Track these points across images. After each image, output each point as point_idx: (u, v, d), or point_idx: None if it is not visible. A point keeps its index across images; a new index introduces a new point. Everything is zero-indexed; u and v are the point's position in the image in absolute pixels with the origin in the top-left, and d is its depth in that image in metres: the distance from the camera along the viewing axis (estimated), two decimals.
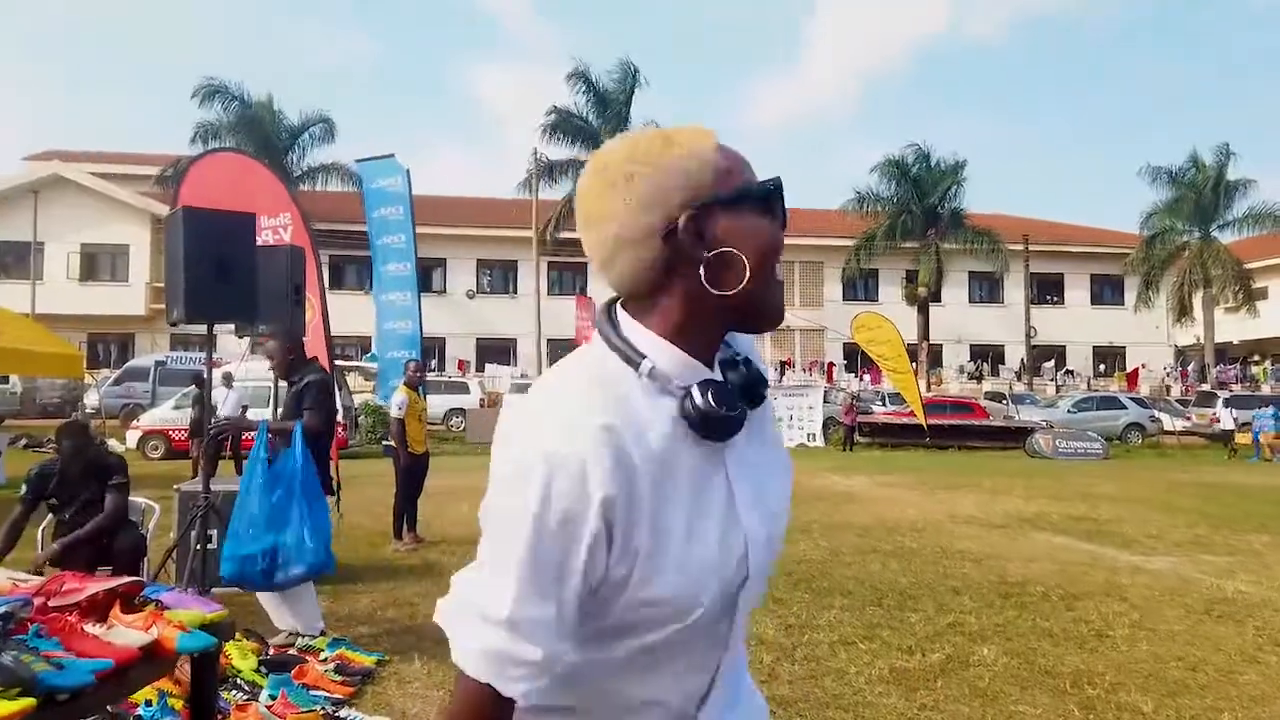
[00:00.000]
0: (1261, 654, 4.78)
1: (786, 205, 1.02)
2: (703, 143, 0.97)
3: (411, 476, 8.27)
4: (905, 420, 25.59)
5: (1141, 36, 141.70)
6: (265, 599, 4.81)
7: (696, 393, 0.94)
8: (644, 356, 0.96)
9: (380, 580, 6.49)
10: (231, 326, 6.46)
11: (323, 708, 3.66)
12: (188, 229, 5.34)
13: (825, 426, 25.25)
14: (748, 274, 0.96)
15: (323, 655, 4.31)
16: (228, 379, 15.14)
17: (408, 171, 12.11)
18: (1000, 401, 30.09)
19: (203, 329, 5.69)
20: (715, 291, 0.96)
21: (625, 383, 0.95)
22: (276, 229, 9.88)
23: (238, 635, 4.41)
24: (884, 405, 29.08)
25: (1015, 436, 25.19)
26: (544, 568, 0.89)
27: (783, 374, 32.87)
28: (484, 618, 0.91)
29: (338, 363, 23.54)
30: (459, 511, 10.26)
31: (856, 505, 11.35)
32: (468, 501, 11.35)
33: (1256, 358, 41.33)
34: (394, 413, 8.31)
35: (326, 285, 35.86)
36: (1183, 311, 37.30)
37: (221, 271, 5.39)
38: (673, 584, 0.93)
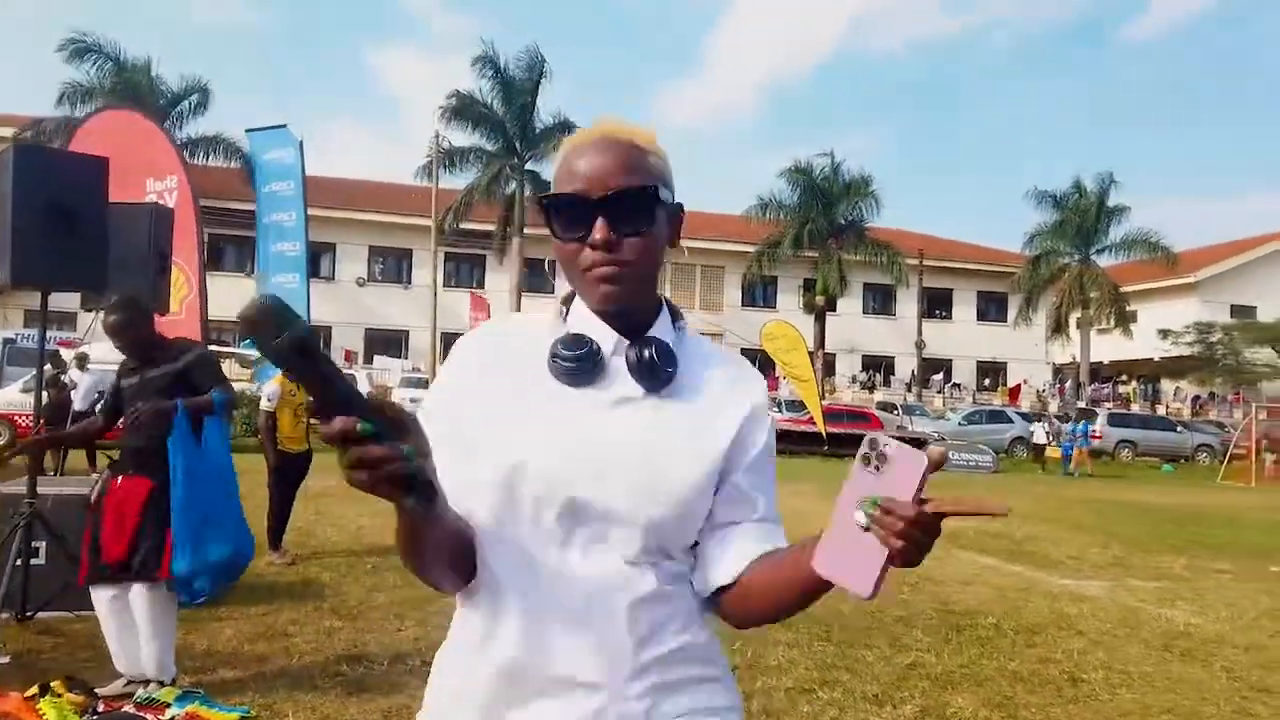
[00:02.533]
0: (1247, 703, 4.37)
1: (580, 213, 1.14)
2: (563, 146, 1.21)
3: (282, 479, 7.24)
4: (803, 428, 25.50)
5: (1027, 66, 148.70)
6: (117, 630, 3.79)
7: (560, 339, 1.17)
8: (565, 307, 1.24)
9: (249, 603, 5.52)
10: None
11: None
12: (19, 171, 4.31)
13: None
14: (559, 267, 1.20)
15: (168, 715, 3.39)
16: (82, 360, 13.57)
17: (301, 144, 11.01)
18: (892, 412, 30.44)
19: (68, 303, 4.63)
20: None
21: (542, 321, 1.23)
22: (162, 194, 8.66)
23: (56, 684, 3.46)
24: (780, 412, 29.01)
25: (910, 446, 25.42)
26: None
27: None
28: None
29: (212, 348, 21.90)
30: (343, 516, 9.26)
31: None
32: (354, 505, 10.32)
33: (1124, 377, 43.40)
34: (262, 405, 7.28)
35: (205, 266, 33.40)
36: (1059, 330, 38.72)
37: (61, 226, 4.37)
38: (487, 458, 1.13)
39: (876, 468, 0.97)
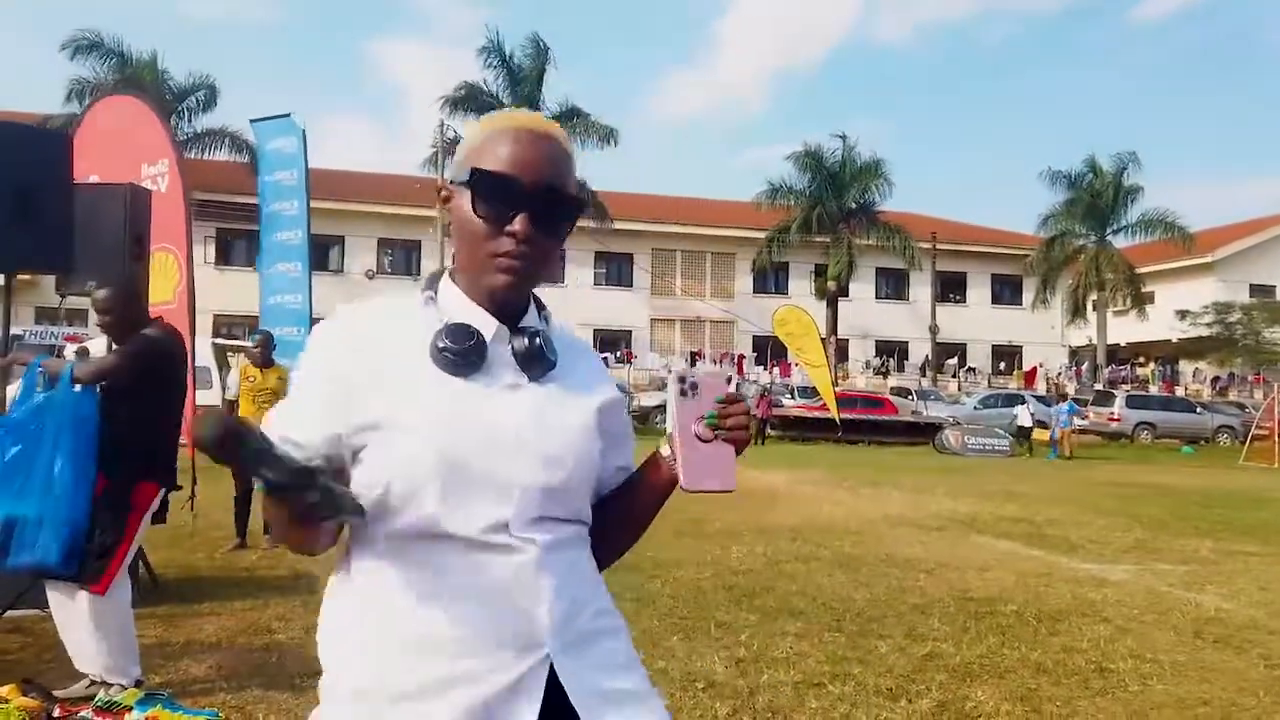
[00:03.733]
0: None
1: (508, 198, 1.14)
2: (484, 124, 1.21)
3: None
4: (817, 414, 25.22)
5: (1040, 48, 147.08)
6: (64, 627, 3.57)
7: (440, 330, 1.15)
8: (433, 291, 1.22)
9: (234, 597, 5.31)
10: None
11: None
12: None
13: None
14: (457, 244, 1.20)
15: None
16: (82, 355, 13.42)
17: (303, 132, 10.77)
18: (907, 397, 30.10)
19: (77, 302, 4.42)
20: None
21: (410, 306, 1.21)
22: (155, 178, 8.41)
23: (5, 691, 3.24)
24: (793, 399, 28.74)
25: (924, 432, 25.11)
26: (294, 398, 1.19)
27: (693, 365, 32.17)
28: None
29: (219, 340, 21.72)
30: None
31: (783, 505, 10.57)
32: None
33: (1142, 359, 42.84)
34: (227, 394, 7.14)
35: (213, 261, 33.68)
36: (1076, 313, 38.25)
37: (20, 204, 4.14)
38: (398, 450, 1.12)
39: (691, 394, 1.20)
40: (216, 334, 24.56)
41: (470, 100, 31.20)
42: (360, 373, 1.13)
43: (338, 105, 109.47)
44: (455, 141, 30.87)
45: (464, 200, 1.16)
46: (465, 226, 1.17)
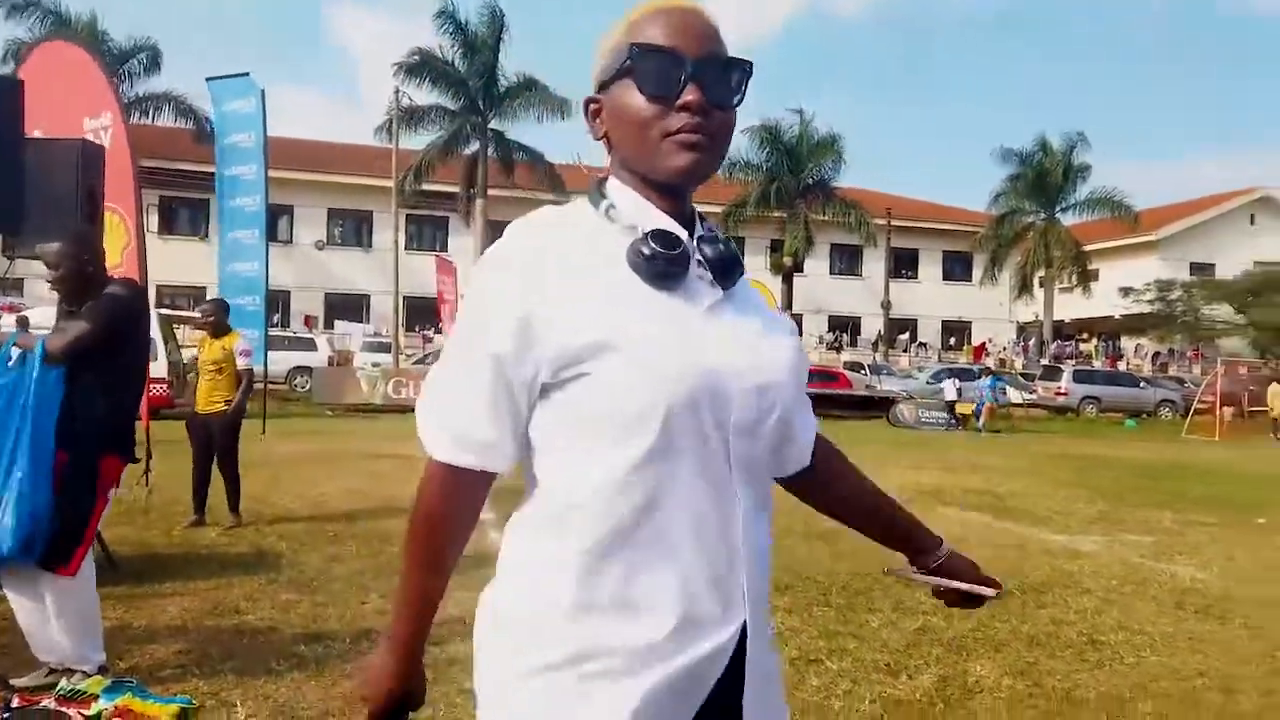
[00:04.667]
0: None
1: (674, 71, 1.02)
2: (626, 18, 1.07)
3: (193, 441, 6.81)
4: None
5: (997, 24, 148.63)
6: (21, 611, 3.31)
7: (640, 236, 1.03)
8: (604, 198, 1.08)
9: (198, 576, 5.06)
10: None
11: None
12: None
13: None
14: (623, 145, 1.07)
15: (95, 710, 2.94)
16: (23, 324, 12.84)
17: (262, 93, 10.32)
18: (861, 372, 30.33)
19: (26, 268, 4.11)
20: (620, 154, 1.09)
21: (581, 218, 1.08)
22: (98, 131, 7.95)
23: None
24: None
25: (878, 406, 25.32)
26: (474, 353, 1.01)
27: None
28: (435, 401, 1.07)
29: (164, 311, 21.02)
30: (301, 483, 8.79)
31: None
32: (315, 469, 9.87)
33: (1085, 335, 43.78)
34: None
35: (157, 229, 32.61)
36: (1024, 288, 38.91)
37: None
38: (621, 377, 0.98)
39: None
40: (160, 305, 23.79)
41: (425, 67, 30.47)
42: (555, 303, 0.99)
43: (286, 73, 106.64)
44: (411, 109, 30.20)
45: (622, 91, 1.05)
46: (629, 116, 1.04)
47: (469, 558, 1.17)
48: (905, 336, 39.64)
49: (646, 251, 1.01)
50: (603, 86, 1.08)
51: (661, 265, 1.01)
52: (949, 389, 24.30)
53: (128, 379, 3.55)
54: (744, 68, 1.06)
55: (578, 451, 1.01)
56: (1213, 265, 41.76)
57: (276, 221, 32.19)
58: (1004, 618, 4.71)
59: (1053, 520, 8.28)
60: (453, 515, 1.08)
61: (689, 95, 1.01)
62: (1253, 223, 43.55)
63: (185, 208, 32.24)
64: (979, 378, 25.40)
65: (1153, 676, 3.86)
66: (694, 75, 1.02)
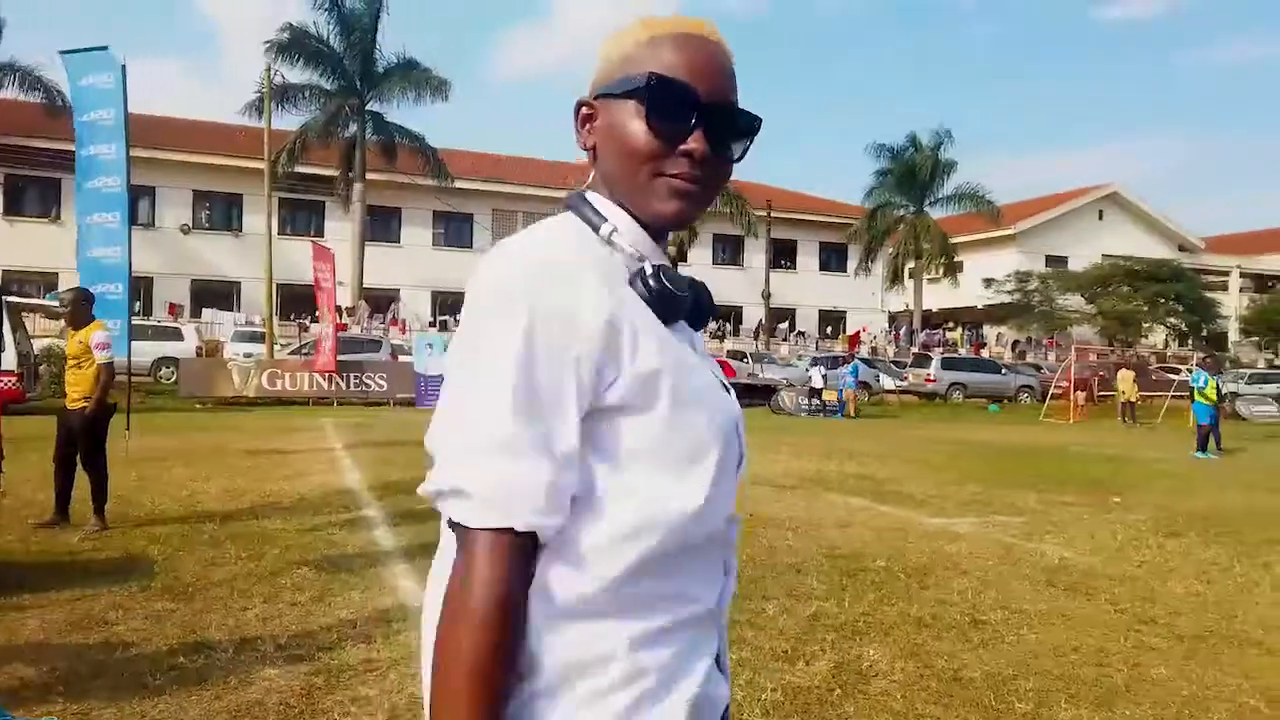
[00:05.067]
0: (1142, 636, 4.37)
1: (685, 111, 0.95)
2: (644, 29, 0.99)
3: (57, 438, 6.41)
4: None
5: (873, 23, 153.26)
6: None
7: (649, 268, 0.94)
8: (605, 219, 0.97)
9: (60, 586, 4.72)
10: None
11: None
12: None
13: None
14: (611, 167, 0.99)
15: None
16: None
17: (123, 68, 9.63)
18: (743, 360, 30.92)
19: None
20: (604, 173, 1.00)
21: (586, 244, 0.95)
22: None
23: None
24: None
25: (761, 394, 25.86)
26: (534, 383, 0.84)
27: None
28: (476, 449, 0.84)
29: (10, 299, 19.51)
30: (172, 481, 8.34)
31: None
32: (186, 466, 9.39)
33: (951, 324, 45.91)
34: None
35: (2, 210, 30.37)
36: (895, 279, 40.53)
37: None
38: (690, 410, 0.92)
39: None
40: (8, 291, 22.12)
41: (297, 45, 29.29)
42: (607, 338, 0.87)
43: (146, 46, 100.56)
44: (283, 88, 28.94)
45: (623, 111, 0.96)
46: (626, 143, 0.96)
47: None
48: (785, 326, 40.60)
49: (656, 286, 0.93)
50: (601, 94, 1.00)
51: (677, 304, 0.94)
52: (815, 376, 25.01)
53: None
54: (755, 123, 1.01)
55: (604, 506, 0.90)
56: (1066, 258, 44.39)
57: (138, 204, 30.33)
58: (892, 600, 4.88)
59: (930, 503, 8.63)
60: (520, 600, 0.86)
61: (694, 143, 0.95)
62: (1101, 218, 46.57)
63: (34, 186, 30.02)
64: (840, 365, 26.22)
65: (1033, 654, 4.06)
66: (704, 121, 0.96)
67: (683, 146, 0.95)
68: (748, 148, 1.02)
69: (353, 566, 5.33)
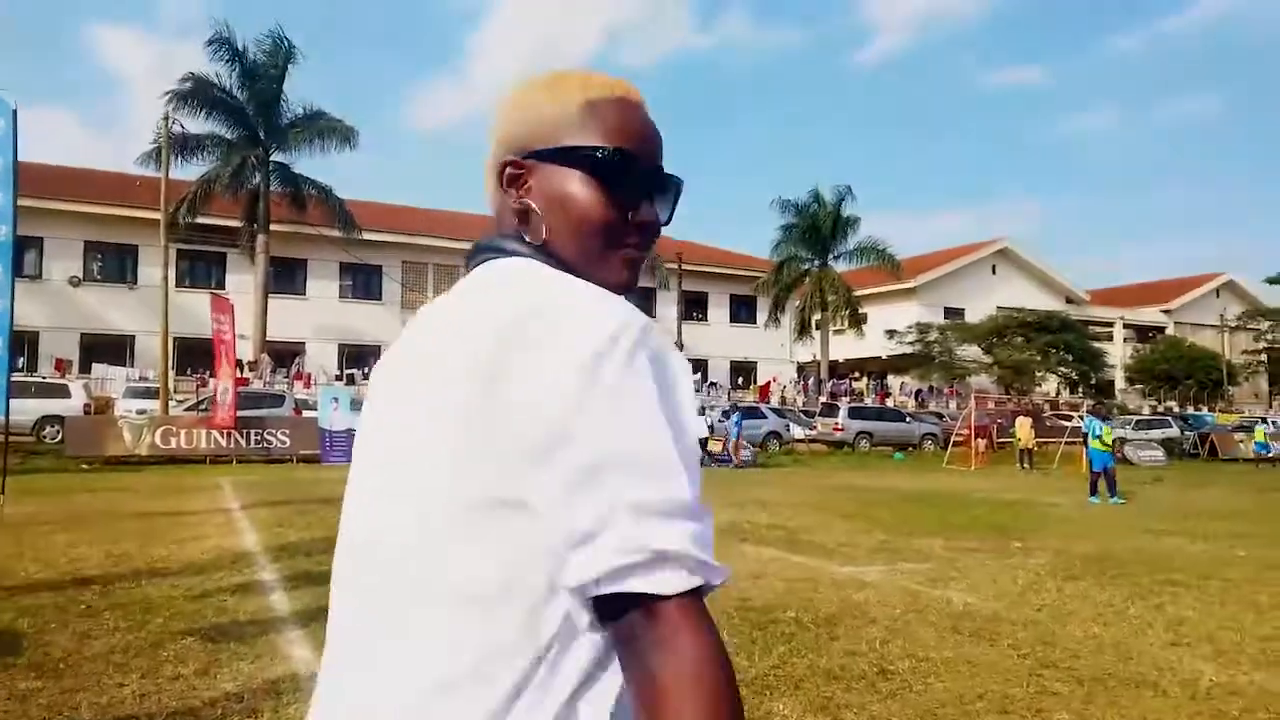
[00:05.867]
0: (1044, 680, 4.44)
1: (641, 184, 0.94)
2: (579, 88, 0.95)
3: None
4: None
5: (772, 82, 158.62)
6: None
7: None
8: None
9: None
10: None
11: None
12: None
13: None
14: (558, 236, 0.92)
15: None
16: None
17: (14, 111, 9.18)
18: (701, 414, 30.98)
19: None
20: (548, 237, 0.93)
21: None
22: None
23: None
24: None
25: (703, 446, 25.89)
26: (683, 434, 0.77)
27: None
28: (669, 513, 0.73)
29: None
30: (50, 547, 7.83)
31: None
32: (68, 531, 8.85)
33: (857, 374, 47.11)
34: None
35: None
36: (803, 330, 41.49)
37: None
38: None
39: None
40: None
41: (199, 94, 28.64)
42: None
43: (35, 92, 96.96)
44: (183, 137, 28.15)
45: (571, 179, 0.92)
46: (581, 213, 0.92)
47: None
48: (697, 377, 40.99)
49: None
50: (537, 154, 0.94)
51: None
52: (701, 427, 25.06)
53: None
54: (680, 185, 1.00)
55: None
56: (963, 309, 46.20)
57: (23, 255, 28.98)
58: (801, 653, 4.86)
59: (840, 552, 8.70)
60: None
61: (647, 216, 0.94)
62: (994, 272, 48.74)
63: None
64: (728, 416, 26.34)
65: (940, 702, 4.08)
66: (656, 192, 0.96)
67: (638, 218, 0.94)
68: (674, 210, 1.01)
69: (243, 634, 5.05)
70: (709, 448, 24.25)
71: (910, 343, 42.04)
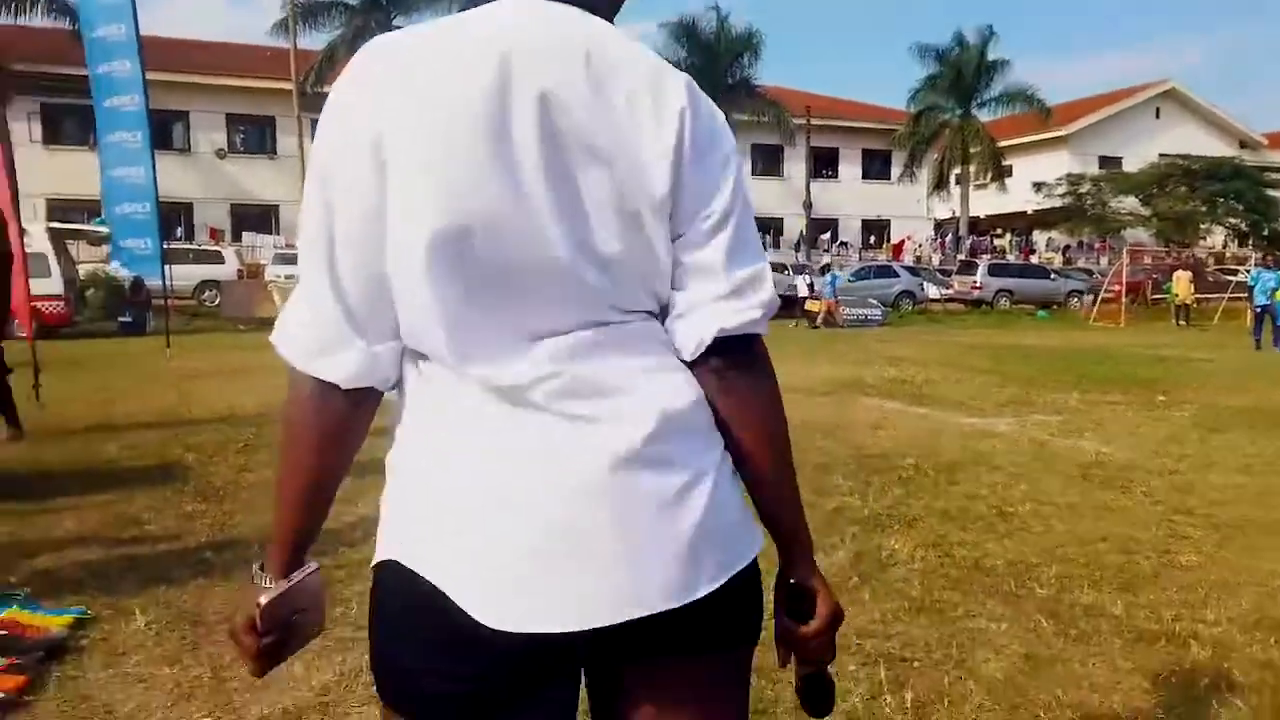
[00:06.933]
0: (1178, 527, 4.26)
1: None
2: None
3: None
4: None
5: None
6: None
7: None
8: None
9: (96, 489, 4.83)
10: None
11: None
12: None
13: None
14: None
15: None
16: None
17: None
18: (783, 273, 30.52)
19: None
20: None
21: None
22: None
23: None
24: None
25: (802, 307, 25.52)
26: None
27: None
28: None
29: (55, 225, 19.81)
30: (209, 397, 8.48)
31: None
32: (226, 383, 9.54)
33: (999, 231, 44.77)
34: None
35: (41, 139, 30.41)
36: (940, 185, 39.41)
37: None
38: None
39: None
40: (52, 218, 22.43)
41: None
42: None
43: None
44: (309, 6, 28.48)
45: None
46: None
47: None
48: (826, 236, 39.90)
49: None
50: None
51: None
52: (801, 285, 24.45)
53: None
54: None
55: None
56: (1120, 158, 42.77)
57: (172, 128, 30.44)
58: (918, 495, 4.81)
59: (967, 405, 8.49)
60: None
61: None
62: (1158, 116, 44.61)
63: (70, 115, 30.10)
64: (822, 274, 25.38)
65: (1059, 543, 3.99)
66: None
67: None
68: None
69: (380, 470, 5.38)
70: (807, 308, 23.65)
71: (1059, 195, 39.29)
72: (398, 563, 0.91)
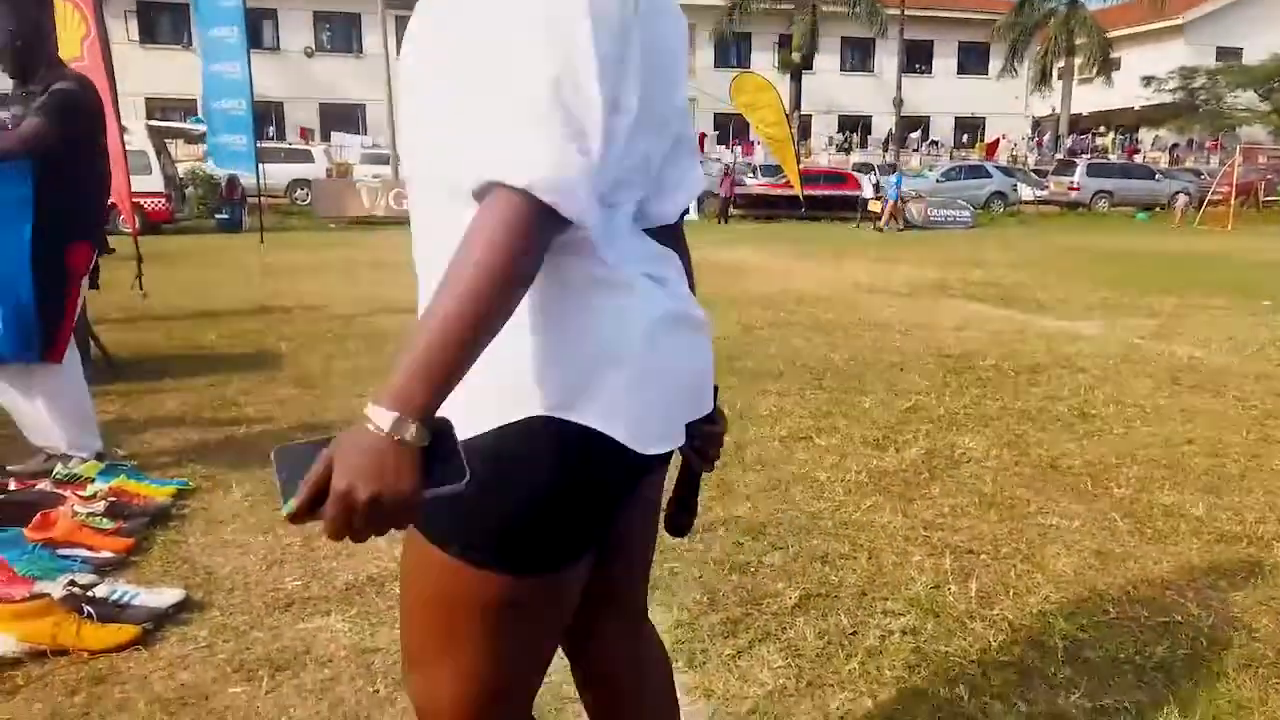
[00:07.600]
0: (1271, 431, 4.12)
1: None
2: None
3: None
4: (780, 192, 24.78)
5: None
6: (14, 402, 3.30)
7: None
8: None
9: (196, 373, 5.09)
10: None
11: (71, 577, 2.37)
12: None
13: (699, 199, 24.10)
14: None
15: (90, 491, 2.99)
16: None
17: None
18: (869, 173, 29.62)
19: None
20: None
21: None
22: None
23: None
24: (756, 177, 28.14)
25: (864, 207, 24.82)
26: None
27: None
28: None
29: (154, 123, 20.38)
30: (302, 291, 8.77)
31: (752, 277, 10.42)
32: (316, 277, 9.85)
33: (1102, 129, 42.38)
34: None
35: (138, 38, 30.92)
36: (1043, 79, 37.24)
37: None
38: None
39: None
40: (150, 117, 23.03)
41: None
42: None
43: None
44: None
45: None
46: None
47: None
48: (916, 135, 38.40)
49: None
50: None
51: None
52: (866, 186, 23.56)
53: (89, 169, 3.39)
54: None
55: None
56: (1240, 49, 39.72)
57: (260, 27, 30.65)
58: (995, 395, 4.74)
59: (1055, 308, 8.24)
60: None
61: None
62: None
63: (166, 14, 30.59)
64: (887, 174, 24.32)
65: (1141, 445, 3.90)
66: None
67: None
68: None
69: None
70: (869, 208, 22.89)
71: (1171, 90, 36.82)
72: (547, 416, 0.96)
